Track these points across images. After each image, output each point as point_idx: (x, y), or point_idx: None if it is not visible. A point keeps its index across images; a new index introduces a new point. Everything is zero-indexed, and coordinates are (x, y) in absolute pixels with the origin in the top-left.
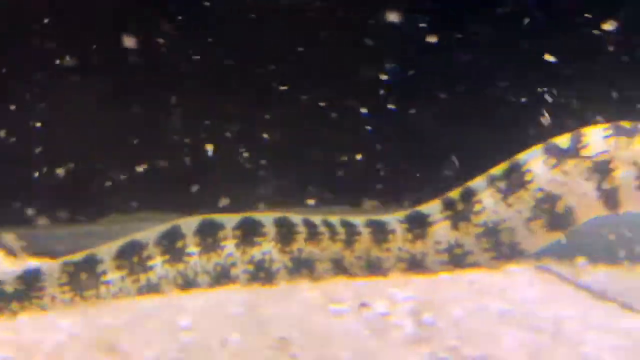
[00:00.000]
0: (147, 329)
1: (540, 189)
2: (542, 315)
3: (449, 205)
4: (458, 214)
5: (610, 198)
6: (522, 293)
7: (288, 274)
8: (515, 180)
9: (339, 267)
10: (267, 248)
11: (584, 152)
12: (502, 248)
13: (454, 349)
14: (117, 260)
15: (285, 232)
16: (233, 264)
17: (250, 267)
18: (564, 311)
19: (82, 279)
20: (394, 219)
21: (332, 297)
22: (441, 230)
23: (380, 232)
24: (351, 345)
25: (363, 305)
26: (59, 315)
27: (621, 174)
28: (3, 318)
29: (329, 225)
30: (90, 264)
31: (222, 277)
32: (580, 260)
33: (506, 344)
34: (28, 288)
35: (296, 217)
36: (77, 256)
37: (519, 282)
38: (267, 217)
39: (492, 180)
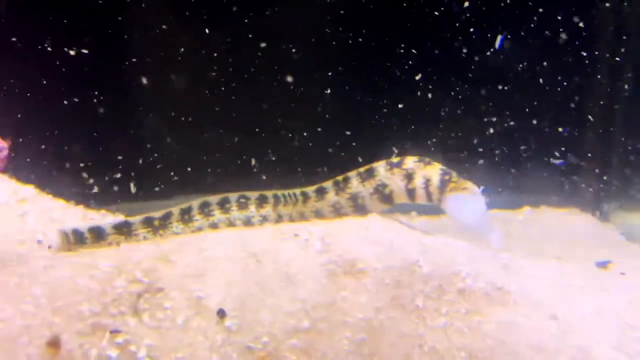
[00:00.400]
0: (185, 251)
1: (380, 180)
2: (384, 238)
3: (335, 183)
4: (340, 188)
5: (410, 193)
6: (376, 227)
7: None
8: (369, 174)
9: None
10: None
11: (403, 166)
12: (358, 207)
13: (340, 255)
14: (180, 215)
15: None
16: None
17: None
18: (395, 235)
19: (157, 225)
20: (310, 191)
21: (280, 231)
22: (330, 196)
23: (304, 198)
24: (288, 253)
25: (296, 235)
26: (142, 245)
27: (417, 181)
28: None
29: (288, 195)
30: (164, 217)
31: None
32: (413, 213)
33: (365, 252)
34: (129, 229)
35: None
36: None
37: (376, 223)
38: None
39: (359, 173)
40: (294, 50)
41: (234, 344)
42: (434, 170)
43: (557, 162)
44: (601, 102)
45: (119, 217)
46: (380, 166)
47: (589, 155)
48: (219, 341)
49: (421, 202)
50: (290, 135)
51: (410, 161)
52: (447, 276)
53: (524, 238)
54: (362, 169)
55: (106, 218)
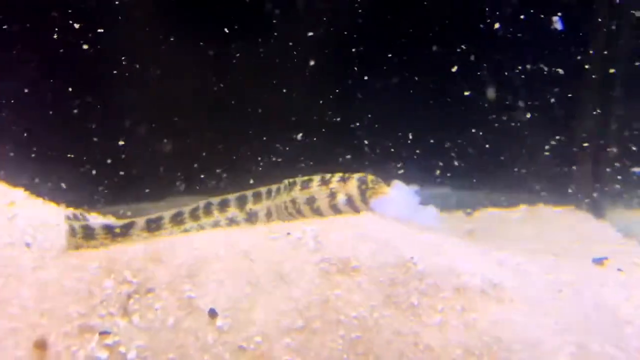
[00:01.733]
0: (177, 251)
1: (310, 193)
2: (378, 235)
3: (322, 180)
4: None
5: (335, 208)
6: (370, 225)
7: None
8: (307, 184)
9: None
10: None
11: (330, 185)
12: (298, 211)
13: (334, 253)
14: (171, 217)
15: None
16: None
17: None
18: (390, 233)
19: (153, 226)
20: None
21: (272, 230)
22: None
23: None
24: (281, 252)
25: (288, 233)
26: (136, 245)
27: (339, 198)
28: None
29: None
30: (157, 220)
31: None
32: None
33: (359, 249)
34: (126, 230)
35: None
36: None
37: (370, 220)
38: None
39: (343, 177)
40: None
41: (225, 344)
42: (352, 185)
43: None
44: (594, 97)
45: (110, 220)
46: (315, 180)
47: (584, 151)
48: (211, 341)
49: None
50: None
51: (334, 180)
52: (442, 273)
53: (520, 236)
54: (305, 178)
55: (96, 220)
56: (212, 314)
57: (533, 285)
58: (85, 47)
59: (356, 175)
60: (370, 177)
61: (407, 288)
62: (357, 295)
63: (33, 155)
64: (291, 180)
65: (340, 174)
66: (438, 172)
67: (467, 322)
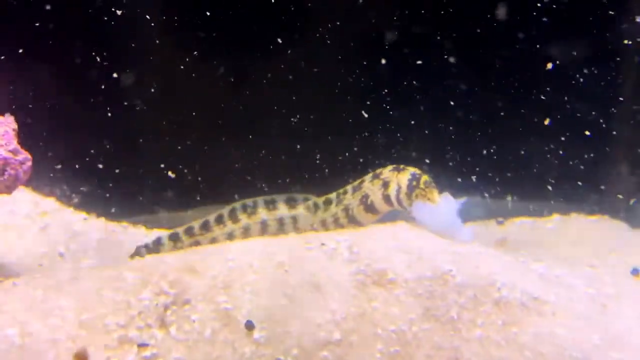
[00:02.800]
0: (212, 261)
1: (364, 192)
2: (413, 246)
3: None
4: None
5: (387, 199)
6: (404, 235)
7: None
8: (359, 186)
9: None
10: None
11: (381, 176)
12: (350, 218)
13: (369, 265)
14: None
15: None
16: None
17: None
18: (425, 244)
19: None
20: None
21: (306, 240)
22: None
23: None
24: (316, 263)
25: (322, 244)
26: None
27: (391, 188)
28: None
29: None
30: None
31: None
32: None
33: (395, 261)
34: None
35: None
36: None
37: (404, 230)
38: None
39: (352, 186)
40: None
41: (262, 357)
42: (405, 177)
43: None
44: (628, 103)
45: (140, 229)
46: (366, 178)
47: (618, 159)
48: (248, 353)
49: (398, 209)
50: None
51: (387, 170)
52: (481, 286)
53: (555, 246)
54: (356, 182)
55: (127, 230)
56: (249, 326)
57: (575, 299)
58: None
59: (411, 169)
60: (424, 177)
61: (446, 301)
62: (394, 307)
63: (65, 164)
64: (343, 188)
65: (395, 165)
66: (466, 179)
67: (508, 336)
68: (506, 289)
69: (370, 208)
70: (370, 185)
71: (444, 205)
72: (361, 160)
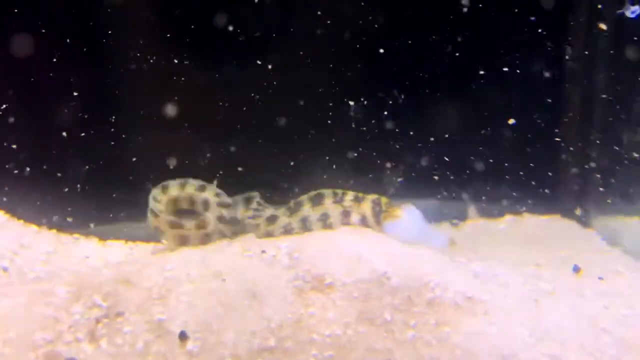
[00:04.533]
0: (148, 272)
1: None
2: (354, 249)
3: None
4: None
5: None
6: (346, 240)
7: None
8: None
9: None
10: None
11: (343, 203)
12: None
13: (308, 270)
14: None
15: None
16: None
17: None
18: (366, 247)
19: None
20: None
21: (246, 248)
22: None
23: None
24: (255, 270)
25: (262, 251)
26: (104, 269)
27: (353, 218)
28: None
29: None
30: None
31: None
32: None
33: (334, 265)
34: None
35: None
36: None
37: (346, 234)
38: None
39: (356, 196)
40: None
41: None
42: (367, 207)
43: None
44: (577, 104)
45: (93, 240)
46: (327, 197)
47: (568, 160)
48: None
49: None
50: None
51: (347, 199)
52: (415, 287)
53: (505, 246)
54: (313, 193)
55: (79, 242)
56: (183, 336)
57: (509, 297)
58: None
59: (370, 197)
60: (384, 200)
61: (380, 303)
62: (331, 312)
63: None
64: (297, 199)
65: (353, 193)
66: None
67: (440, 336)
68: (439, 289)
69: (328, 227)
70: (330, 206)
71: (407, 217)
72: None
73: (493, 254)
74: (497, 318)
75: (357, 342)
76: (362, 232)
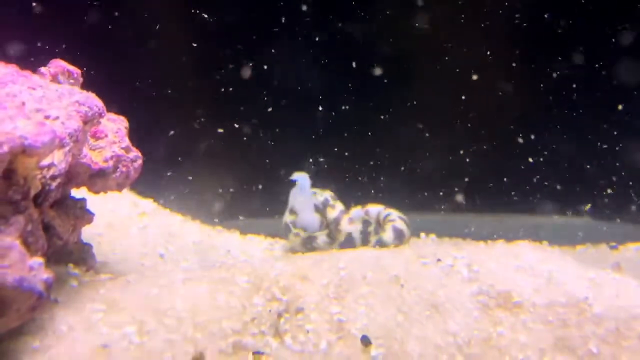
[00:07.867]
0: (320, 269)
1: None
2: (540, 268)
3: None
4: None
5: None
6: (528, 257)
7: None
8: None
9: None
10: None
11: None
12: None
13: (491, 285)
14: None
15: None
16: None
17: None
18: (554, 267)
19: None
20: None
21: (420, 255)
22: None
23: None
24: (432, 279)
25: (438, 260)
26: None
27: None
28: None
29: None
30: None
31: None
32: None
33: (520, 283)
34: None
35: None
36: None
37: (527, 251)
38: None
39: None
40: None
41: None
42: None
43: None
44: None
45: (235, 234)
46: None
47: None
48: None
49: None
50: None
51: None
52: (624, 319)
53: None
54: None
55: (222, 234)
56: (366, 341)
57: None
58: None
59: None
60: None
61: (582, 332)
62: (522, 334)
63: (162, 165)
64: None
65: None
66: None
67: None
68: None
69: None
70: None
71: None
72: None
73: None
74: None
75: None
76: (547, 250)
